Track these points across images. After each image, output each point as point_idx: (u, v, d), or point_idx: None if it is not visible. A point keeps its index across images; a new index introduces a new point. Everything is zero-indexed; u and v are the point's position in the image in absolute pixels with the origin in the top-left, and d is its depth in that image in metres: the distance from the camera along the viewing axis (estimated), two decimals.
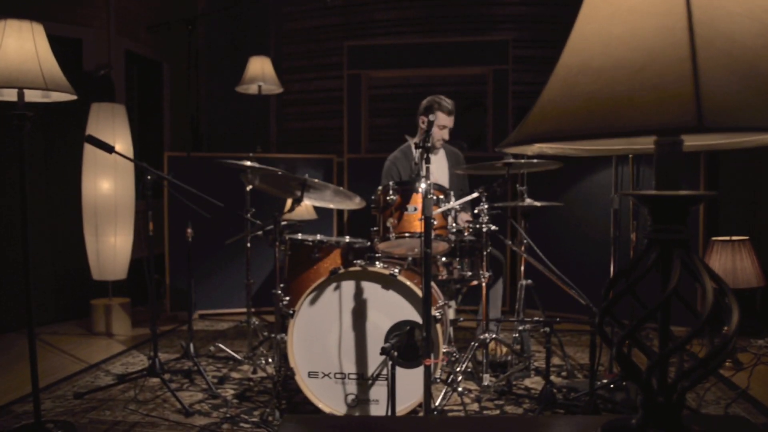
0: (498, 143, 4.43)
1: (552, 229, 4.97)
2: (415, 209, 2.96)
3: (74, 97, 2.70)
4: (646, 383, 0.70)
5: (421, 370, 2.72)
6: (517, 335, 3.62)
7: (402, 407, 2.72)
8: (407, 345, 2.74)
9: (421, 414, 2.92)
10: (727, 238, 3.78)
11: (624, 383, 3.23)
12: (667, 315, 0.74)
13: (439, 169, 4.06)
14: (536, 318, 3.27)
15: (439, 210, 2.89)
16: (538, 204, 3.46)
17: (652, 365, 0.68)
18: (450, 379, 3.02)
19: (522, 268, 3.66)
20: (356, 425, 1.06)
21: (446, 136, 3.94)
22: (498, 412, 3.04)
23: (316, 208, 4.82)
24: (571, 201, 4.80)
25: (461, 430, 1.05)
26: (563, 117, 0.61)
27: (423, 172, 2.45)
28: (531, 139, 0.64)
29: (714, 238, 3.83)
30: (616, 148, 0.85)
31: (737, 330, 0.69)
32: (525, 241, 3.51)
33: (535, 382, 3.50)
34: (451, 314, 3.63)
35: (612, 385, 3.21)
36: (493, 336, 3.32)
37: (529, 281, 3.63)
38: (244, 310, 5.08)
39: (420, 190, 2.95)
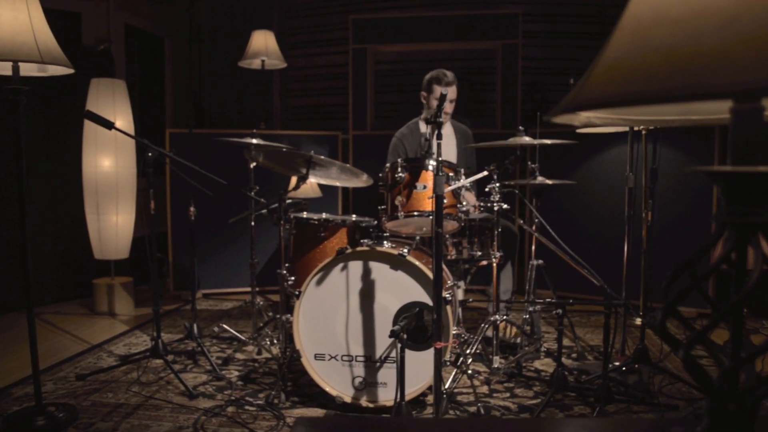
0: (507, 120, 4.33)
1: (562, 207, 4.87)
2: (425, 187, 2.86)
3: (71, 71, 2.59)
4: (717, 389, 0.61)
5: (429, 351, 2.65)
6: (527, 316, 3.54)
7: (410, 390, 2.65)
8: (416, 327, 2.67)
9: (429, 397, 2.85)
10: None
11: (636, 366, 3.16)
12: (741, 313, 0.65)
13: (448, 146, 3.96)
14: (548, 299, 3.19)
15: (450, 188, 2.79)
16: (549, 182, 3.37)
17: (725, 371, 0.59)
18: (459, 361, 2.95)
19: (533, 247, 3.57)
20: (371, 427, 0.98)
21: (449, 109, 3.86)
22: (508, 395, 2.97)
23: (320, 186, 4.73)
24: (582, 179, 4.69)
25: None
26: (637, 77, 0.51)
27: (434, 149, 2.36)
28: (596, 104, 0.54)
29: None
30: (673, 119, 0.76)
31: None
32: (536, 220, 3.42)
33: (545, 364, 3.43)
34: (460, 295, 3.55)
35: (624, 368, 3.15)
36: (504, 317, 3.24)
37: (540, 261, 3.55)
38: (247, 289, 5.00)
39: (430, 167, 2.85)
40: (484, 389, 3.04)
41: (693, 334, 0.61)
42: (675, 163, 4.45)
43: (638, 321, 4.24)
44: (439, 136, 2.34)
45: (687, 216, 4.47)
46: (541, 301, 3.36)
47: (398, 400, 2.41)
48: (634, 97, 0.50)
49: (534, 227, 3.41)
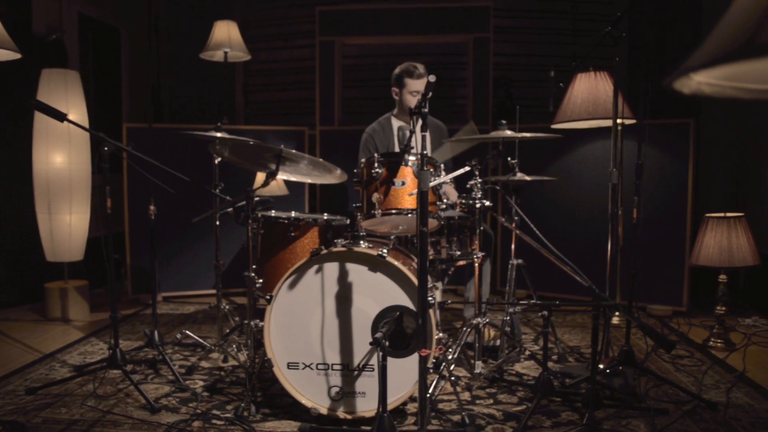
0: (479, 115, 4.16)
1: (536, 205, 4.77)
2: (403, 183, 2.71)
3: (18, 56, 2.37)
4: None
5: (410, 358, 2.50)
6: (507, 318, 3.41)
7: (391, 400, 2.48)
8: (396, 332, 2.51)
9: (410, 405, 2.70)
10: (722, 214, 3.62)
11: (620, 368, 3.06)
12: None
13: None
14: (532, 301, 3.06)
15: (433, 183, 2.64)
16: (528, 178, 3.26)
17: None
18: (441, 367, 2.80)
19: (512, 246, 3.45)
20: None
21: (413, 103, 3.75)
22: (491, 401, 2.83)
23: (287, 184, 4.53)
24: (556, 176, 4.60)
25: None
26: None
27: (415, 142, 2.21)
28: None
29: (708, 215, 3.66)
30: None
31: None
32: (517, 218, 3.29)
33: (526, 367, 3.30)
34: (438, 296, 3.41)
35: (608, 371, 3.04)
36: (486, 320, 3.10)
37: (520, 261, 3.43)
38: (210, 291, 4.78)
39: (409, 163, 2.70)
40: (466, 395, 2.90)
41: None
42: (650, 159, 4.38)
43: (615, 320, 4.16)
44: (424, 128, 2.18)
45: (662, 212, 4.42)
46: (526, 302, 3.23)
47: (380, 411, 2.24)
48: None
49: (514, 225, 3.28)
